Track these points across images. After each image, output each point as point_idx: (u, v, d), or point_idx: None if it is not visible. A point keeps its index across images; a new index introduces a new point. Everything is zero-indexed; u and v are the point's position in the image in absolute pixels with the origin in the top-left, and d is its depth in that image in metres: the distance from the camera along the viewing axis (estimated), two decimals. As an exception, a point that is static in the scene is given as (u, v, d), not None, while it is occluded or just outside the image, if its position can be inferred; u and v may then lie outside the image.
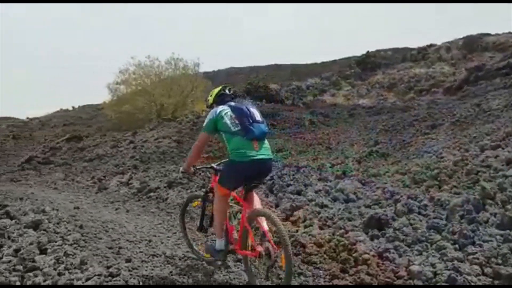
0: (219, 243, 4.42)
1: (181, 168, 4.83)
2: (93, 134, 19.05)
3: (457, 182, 6.96)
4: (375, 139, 12.09)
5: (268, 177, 8.45)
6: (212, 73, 37.88)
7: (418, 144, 10.75)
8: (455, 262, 4.44)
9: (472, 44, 25.97)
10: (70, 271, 4.47)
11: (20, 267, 4.66)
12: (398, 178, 7.98)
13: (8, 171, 13.54)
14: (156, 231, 6.36)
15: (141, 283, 4.30)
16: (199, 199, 5.11)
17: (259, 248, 3.98)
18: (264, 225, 4.06)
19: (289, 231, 5.78)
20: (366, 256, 4.88)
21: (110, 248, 5.34)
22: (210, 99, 4.64)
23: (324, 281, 4.61)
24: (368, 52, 30.54)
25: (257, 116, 4.19)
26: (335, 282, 4.57)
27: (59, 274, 4.37)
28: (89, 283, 4.19)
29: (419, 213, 5.95)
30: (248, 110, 4.18)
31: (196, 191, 8.13)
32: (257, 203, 4.41)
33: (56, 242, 5.21)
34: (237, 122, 4.11)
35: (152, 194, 8.70)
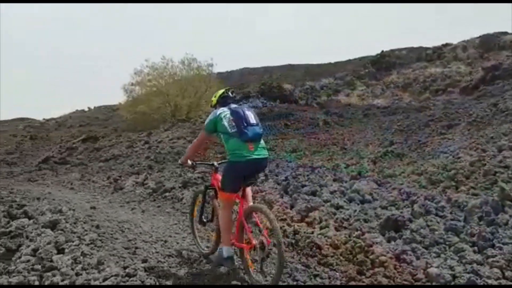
0: (227, 250, 4.53)
1: (179, 160, 5.19)
2: (108, 134, 19.23)
3: (474, 183, 6.86)
4: (390, 139, 11.97)
5: (283, 178, 8.49)
6: (226, 74, 37.91)
7: (434, 145, 10.62)
8: (474, 265, 4.38)
9: (489, 43, 25.57)
10: (87, 271, 4.52)
11: (39, 267, 4.72)
12: (414, 179, 7.89)
13: (26, 171, 13.75)
14: (171, 231, 6.39)
15: (157, 284, 4.32)
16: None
17: (254, 241, 4.27)
18: (259, 219, 4.30)
19: (304, 232, 5.77)
20: (383, 258, 4.82)
21: (126, 248, 5.38)
22: (214, 100, 4.89)
23: (341, 283, 4.58)
24: (382, 51, 30.28)
25: (252, 119, 4.45)
26: (352, 284, 4.54)
27: (77, 274, 4.42)
28: (106, 283, 4.22)
29: (437, 214, 5.87)
30: (244, 113, 4.44)
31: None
32: (250, 195, 4.70)
33: (73, 242, 5.26)
34: (233, 124, 4.37)
35: (167, 194, 8.74)
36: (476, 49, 25.75)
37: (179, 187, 8.93)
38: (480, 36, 27.23)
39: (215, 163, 5.01)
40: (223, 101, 4.76)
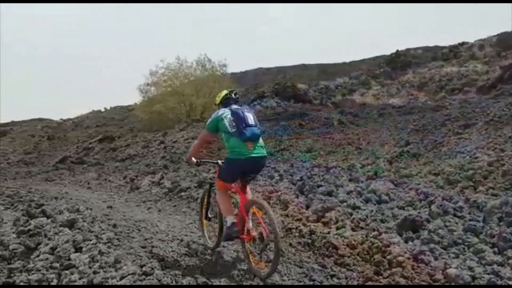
0: (229, 219, 4.78)
1: (184, 158, 5.35)
2: (124, 134, 19.39)
3: (493, 183, 6.77)
4: (406, 139, 11.85)
5: (298, 178, 8.46)
6: (240, 74, 37.96)
7: (451, 144, 10.49)
8: (495, 266, 4.31)
9: (507, 41, 25.17)
10: (104, 269, 4.55)
11: (57, 265, 4.78)
12: (431, 179, 7.81)
13: (43, 170, 13.95)
14: (187, 230, 6.42)
15: (174, 283, 4.33)
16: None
17: (254, 233, 4.60)
18: (259, 213, 4.54)
19: (320, 232, 5.75)
20: (400, 258, 4.78)
21: (143, 247, 5.42)
22: (218, 99, 5.16)
23: (358, 284, 4.55)
24: (397, 50, 30.03)
25: (251, 120, 4.74)
26: (369, 284, 4.51)
27: (94, 273, 4.45)
28: (123, 282, 4.24)
29: (455, 215, 5.79)
30: (243, 114, 4.74)
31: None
32: (249, 193, 5.01)
33: (90, 240, 5.32)
34: (234, 124, 4.68)
35: (183, 193, 8.78)
36: (493, 48, 25.39)
37: (195, 187, 8.97)
38: (497, 35, 26.85)
39: (219, 162, 5.19)
40: (225, 102, 5.03)
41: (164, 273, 4.48)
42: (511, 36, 25.80)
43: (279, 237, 4.26)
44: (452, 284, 4.26)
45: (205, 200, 5.62)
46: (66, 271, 4.56)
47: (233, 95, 5.09)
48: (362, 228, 5.82)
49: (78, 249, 5.11)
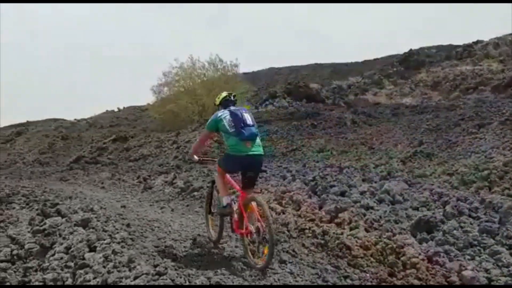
0: (225, 199, 5.13)
1: (187, 155, 5.51)
2: (138, 134, 19.50)
3: (509, 183, 6.70)
4: (420, 139, 11.75)
5: (311, 178, 8.42)
6: (252, 74, 37.93)
7: (465, 144, 10.38)
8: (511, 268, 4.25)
9: (523, 40, 24.86)
10: (118, 269, 4.56)
11: (71, 264, 4.82)
12: (445, 179, 7.74)
13: (58, 170, 14.11)
14: (200, 230, 6.42)
15: (187, 283, 4.34)
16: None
17: (250, 228, 4.81)
18: (256, 209, 4.75)
19: (334, 233, 5.73)
20: (415, 259, 4.74)
21: (156, 246, 5.43)
22: (217, 100, 5.45)
23: (371, 285, 4.52)
24: (411, 50, 29.76)
25: (249, 120, 5.02)
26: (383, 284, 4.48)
27: (108, 272, 4.47)
28: (137, 281, 4.26)
29: (470, 215, 5.74)
30: (242, 115, 5.01)
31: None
32: (251, 189, 5.18)
33: (104, 240, 5.34)
34: (233, 124, 4.95)
35: (195, 193, 8.80)
36: (508, 46, 25.02)
37: (207, 187, 8.97)
38: (513, 33, 26.45)
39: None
40: (225, 103, 5.31)
41: (178, 273, 4.49)
42: (527, 34, 25.42)
43: (273, 232, 4.47)
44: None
45: (209, 196, 5.91)
46: (80, 271, 4.60)
47: (231, 97, 5.38)
48: (375, 229, 5.78)
49: (92, 249, 5.14)
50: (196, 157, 5.59)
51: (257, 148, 4.99)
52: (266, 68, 44.88)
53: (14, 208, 7.46)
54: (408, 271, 4.60)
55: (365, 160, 10.21)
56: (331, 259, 5.17)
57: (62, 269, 4.77)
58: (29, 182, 11.56)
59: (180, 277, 4.38)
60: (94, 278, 4.42)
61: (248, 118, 5.04)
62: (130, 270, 4.51)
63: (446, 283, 4.35)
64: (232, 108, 5.18)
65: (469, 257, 4.71)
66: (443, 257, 4.73)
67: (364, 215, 6.25)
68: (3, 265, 4.98)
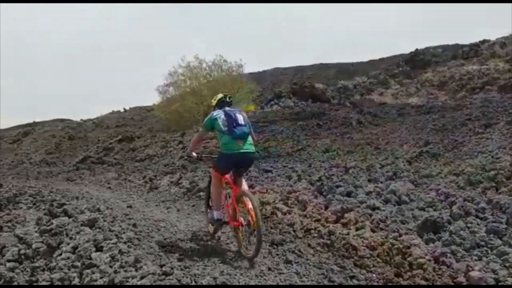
0: (217, 214, 5.52)
1: (186, 152, 5.81)
2: (144, 135, 19.54)
3: (516, 184, 6.64)
4: (426, 139, 11.72)
5: (317, 178, 8.42)
6: (257, 74, 37.92)
7: (472, 144, 10.34)
8: (519, 268, 4.23)
9: (530, 39, 24.72)
10: (125, 269, 4.58)
11: (78, 264, 4.85)
12: (452, 179, 7.71)
13: (65, 170, 14.17)
14: (206, 230, 6.44)
15: (193, 283, 4.35)
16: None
17: (241, 220, 5.23)
18: (248, 203, 5.03)
19: (340, 233, 5.72)
20: (421, 260, 4.72)
21: (162, 246, 5.46)
22: (214, 102, 5.80)
23: (378, 285, 4.51)
24: (416, 49, 29.65)
25: (241, 120, 5.37)
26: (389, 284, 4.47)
27: (115, 272, 4.49)
28: (143, 281, 4.28)
29: (477, 216, 5.71)
30: (234, 115, 5.39)
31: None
32: (245, 186, 5.55)
33: (111, 240, 5.36)
34: (226, 124, 5.32)
35: (201, 193, 8.80)
36: (515, 46, 24.88)
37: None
38: (520, 32, 26.29)
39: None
40: (221, 104, 5.67)
41: (184, 273, 4.50)
42: (534, 33, 25.26)
43: (261, 224, 4.79)
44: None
45: (208, 191, 6.23)
46: (87, 270, 4.62)
47: (227, 99, 5.73)
48: (382, 229, 5.77)
49: (99, 249, 5.16)
50: (194, 154, 5.94)
51: (248, 147, 5.35)
52: (271, 68, 44.88)
53: (21, 208, 7.50)
54: (415, 272, 4.59)
55: (371, 160, 10.18)
56: (337, 259, 5.16)
57: (69, 269, 4.79)
58: (36, 182, 11.62)
59: (186, 277, 4.40)
60: (101, 277, 4.44)
61: (240, 118, 5.40)
62: (136, 270, 4.53)
63: (453, 284, 4.33)
64: (227, 108, 5.55)
65: (476, 257, 4.69)
66: (450, 257, 4.71)
67: (370, 215, 6.23)
68: (10, 264, 5.00)
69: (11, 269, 4.91)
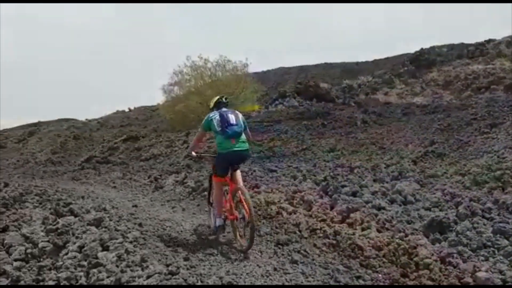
0: (219, 221, 5.81)
1: (186, 152, 5.79)
2: (148, 134, 19.55)
3: (523, 184, 6.61)
4: (431, 138, 11.68)
5: (322, 178, 8.41)
6: (261, 74, 37.88)
7: (477, 144, 10.31)
8: (526, 269, 4.21)
9: (536, 38, 24.56)
10: (131, 268, 4.60)
11: (85, 263, 4.86)
12: (458, 179, 7.69)
13: (70, 170, 14.20)
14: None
15: (199, 282, 4.36)
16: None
17: (236, 213, 5.56)
18: (242, 198, 5.36)
19: (345, 233, 5.72)
20: (428, 260, 4.71)
21: (168, 246, 5.48)
22: (211, 104, 6.11)
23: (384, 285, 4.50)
24: (422, 49, 29.50)
25: (232, 120, 5.69)
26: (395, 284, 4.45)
27: (122, 271, 4.50)
28: (149, 281, 4.29)
29: (483, 216, 5.70)
30: (227, 116, 5.72)
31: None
32: (239, 179, 5.81)
33: (117, 239, 5.37)
34: (219, 124, 5.65)
35: (206, 193, 8.81)
36: (521, 45, 24.73)
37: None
38: (526, 31, 26.12)
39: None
40: (218, 105, 5.98)
41: (190, 273, 4.52)
42: (540, 32, 25.08)
43: (254, 219, 5.12)
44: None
45: (209, 188, 6.60)
46: (94, 270, 4.63)
47: (223, 100, 6.05)
48: (387, 229, 5.76)
49: (105, 248, 5.17)
50: (194, 154, 6.26)
51: (241, 145, 5.69)
52: (276, 67, 44.76)
53: (27, 207, 7.51)
54: (421, 272, 4.58)
55: (375, 160, 10.16)
56: (343, 259, 5.15)
57: (75, 268, 4.80)
58: (42, 181, 11.65)
59: (192, 277, 4.42)
60: (108, 277, 4.45)
61: (233, 118, 5.72)
62: (143, 270, 4.55)
63: (459, 284, 4.32)
64: (223, 109, 5.87)
65: (483, 258, 4.67)
66: (457, 258, 4.70)
67: (376, 215, 6.22)
68: (17, 263, 5.02)
69: (18, 268, 4.93)
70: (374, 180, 8.14)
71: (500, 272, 4.30)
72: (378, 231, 5.72)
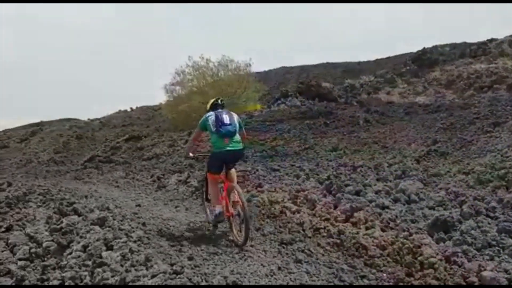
0: (218, 208, 5.95)
1: (183, 154, 6.48)
2: (151, 134, 19.54)
3: (527, 183, 6.59)
4: (434, 137, 11.66)
5: (325, 177, 8.39)
6: (263, 73, 37.85)
7: (480, 143, 10.29)
8: (531, 268, 4.20)
9: (539, 37, 24.49)
10: (136, 268, 4.60)
11: (89, 262, 4.85)
12: (461, 178, 7.68)
13: (73, 169, 14.21)
14: (216, 229, 6.45)
15: (204, 282, 4.36)
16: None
17: (232, 210, 5.80)
18: (237, 195, 5.64)
19: (349, 232, 5.71)
20: (432, 259, 4.70)
21: (172, 245, 5.47)
22: (208, 106, 6.39)
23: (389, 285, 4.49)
24: (424, 48, 29.44)
25: (226, 120, 5.91)
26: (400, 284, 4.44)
27: (126, 271, 4.50)
28: (154, 280, 4.29)
29: (487, 215, 5.68)
30: (221, 116, 5.94)
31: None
32: (234, 178, 6.09)
33: (121, 239, 5.37)
34: (214, 124, 5.89)
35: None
36: (524, 44, 24.67)
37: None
38: (528, 30, 26.06)
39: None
40: (214, 107, 6.23)
41: (194, 272, 4.51)
42: (543, 31, 25.01)
43: (248, 216, 5.34)
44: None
45: (204, 185, 6.74)
46: (98, 269, 4.62)
47: (219, 102, 6.32)
48: (392, 228, 5.75)
49: (109, 247, 5.17)
50: (191, 154, 6.67)
51: (235, 144, 5.90)
52: (277, 67, 44.69)
53: (31, 206, 7.51)
54: (426, 271, 4.57)
55: (378, 159, 10.16)
56: (347, 258, 5.15)
57: (80, 268, 4.80)
58: (45, 181, 11.66)
59: (197, 276, 4.41)
60: (112, 276, 4.44)
61: (227, 118, 5.93)
62: (147, 269, 4.54)
63: (465, 284, 4.31)
64: (219, 110, 6.11)
65: (488, 257, 4.66)
66: (461, 257, 4.69)
67: (380, 214, 6.22)
68: (22, 263, 5.02)
69: (22, 268, 4.93)
70: (378, 179, 8.13)
71: (506, 271, 4.29)
72: (382, 230, 5.71)
